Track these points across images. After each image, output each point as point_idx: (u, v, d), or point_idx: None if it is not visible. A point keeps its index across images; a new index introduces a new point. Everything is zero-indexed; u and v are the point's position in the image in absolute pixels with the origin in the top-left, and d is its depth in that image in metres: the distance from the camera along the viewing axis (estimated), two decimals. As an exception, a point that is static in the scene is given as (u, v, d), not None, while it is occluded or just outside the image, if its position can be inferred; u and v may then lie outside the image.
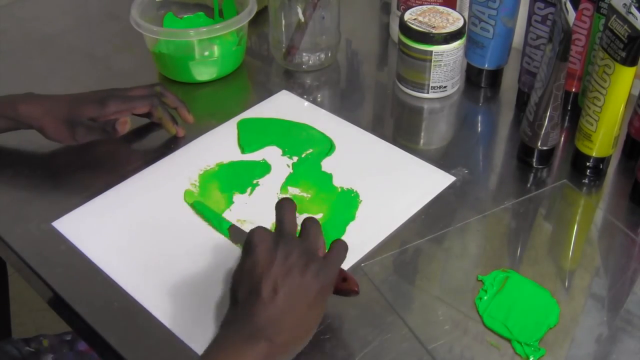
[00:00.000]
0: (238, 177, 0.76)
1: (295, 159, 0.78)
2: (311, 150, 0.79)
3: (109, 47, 0.98)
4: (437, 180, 0.75)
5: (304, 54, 0.91)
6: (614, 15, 0.66)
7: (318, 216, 0.70)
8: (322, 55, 0.92)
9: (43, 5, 1.09)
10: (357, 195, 0.73)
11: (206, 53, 0.88)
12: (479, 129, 0.86)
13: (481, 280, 0.64)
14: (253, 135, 0.81)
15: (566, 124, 0.83)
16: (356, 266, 0.66)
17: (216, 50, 0.89)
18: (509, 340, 0.59)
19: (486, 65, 0.88)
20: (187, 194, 0.73)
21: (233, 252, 0.67)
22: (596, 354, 0.59)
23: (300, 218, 0.70)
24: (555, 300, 0.62)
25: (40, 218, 0.70)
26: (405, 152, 0.79)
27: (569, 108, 0.84)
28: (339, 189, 0.74)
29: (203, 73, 0.89)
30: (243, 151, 0.79)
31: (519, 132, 0.77)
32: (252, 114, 0.85)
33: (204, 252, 0.67)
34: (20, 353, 0.83)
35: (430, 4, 0.88)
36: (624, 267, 0.67)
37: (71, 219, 0.70)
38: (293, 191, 0.74)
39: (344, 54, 0.98)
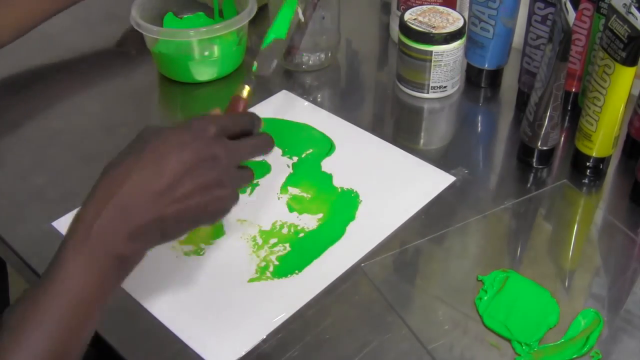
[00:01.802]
0: (238, 177, 0.75)
1: (295, 159, 0.78)
2: (311, 150, 0.79)
3: (109, 47, 0.98)
4: (437, 180, 0.75)
5: (304, 54, 0.91)
6: (614, 15, 0.66)
7: (318, 216, 0.71)
8: (322, 55, 0.92)
9: (43, 5, 1.09)
10: (357, 195, 0.73)
11: (206, 53, 0.88)
12: (479, 129, 0.86)
13: (481, 280, 0.64)
14: (253, 135, 0.81)
15: (566, 124, 0.83)
16: (356, 266, 0.66)
17: (216, 50, 0.89)
18: (509, 340, 0.59)
19: (486, 65, 0.88)
20: (187, 194, 0.73)
21: (234, 250, 0.67)
22: (596, 354, 0.59)
23: (301, 218, 0.70)
24: (555, 300, 0.62)
25: (40, 218, 0.70)
26: (405, 152, 0.79)
27: (569, 108, 0.84)
28: (339, 189, 0.74)
29: (203, 73, 0.89)
30: (243, 151, 0.79)
31: (519, 132, 0.77)
32: (252, 114, 0.85)
33: (205, 251, 0.67)
34: None
35: (430, 4, 0.88)
36: (624, 267, 0.67)
37: (71, 219, 0.70)
38: (293, 191, 0.74)
39: (344, 54, 0.98)
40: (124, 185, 0.49)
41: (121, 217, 0.48)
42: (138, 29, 0.86)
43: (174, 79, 0.90)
